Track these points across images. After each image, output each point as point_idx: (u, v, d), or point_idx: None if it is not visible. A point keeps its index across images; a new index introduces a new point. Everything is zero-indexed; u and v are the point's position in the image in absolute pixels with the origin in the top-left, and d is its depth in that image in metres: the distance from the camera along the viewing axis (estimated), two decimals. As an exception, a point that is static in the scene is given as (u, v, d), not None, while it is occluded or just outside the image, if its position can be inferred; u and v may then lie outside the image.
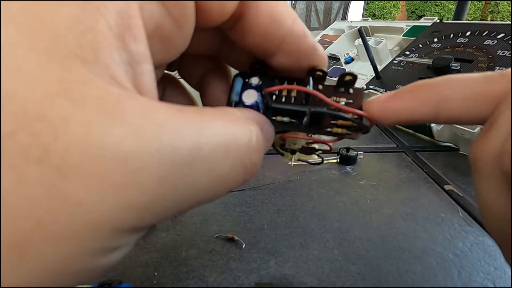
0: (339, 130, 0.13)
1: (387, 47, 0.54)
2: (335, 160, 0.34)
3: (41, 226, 0.06)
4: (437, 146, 0.39)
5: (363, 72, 0.56)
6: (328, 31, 0.72)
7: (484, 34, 0.41)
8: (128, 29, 0.08)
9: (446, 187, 0.30)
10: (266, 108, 0.13)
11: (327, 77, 0.13)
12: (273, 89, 0.13)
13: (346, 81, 0.13)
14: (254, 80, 0.13)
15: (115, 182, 0.07)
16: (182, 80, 0.16)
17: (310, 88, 0.13)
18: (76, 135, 0.07)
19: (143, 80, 0.09)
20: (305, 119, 0.13)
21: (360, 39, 0.52)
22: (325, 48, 0.65)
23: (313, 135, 0.15)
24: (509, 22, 0.40)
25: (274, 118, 0.13)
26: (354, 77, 0.13)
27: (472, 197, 0.29)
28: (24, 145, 0.06)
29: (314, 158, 0.15)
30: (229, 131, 0.10)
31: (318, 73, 0.13)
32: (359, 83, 0.50)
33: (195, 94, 0.16)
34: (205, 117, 0.09)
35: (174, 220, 0.25)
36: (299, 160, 0.15)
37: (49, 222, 0.06)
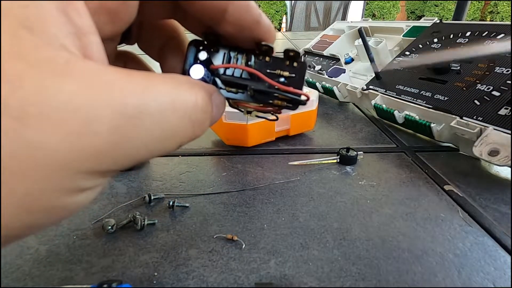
0: (279, 102, 0.15)
1: (387, 47, 0.54)
2: (335, 160, 0.34)
3: (6, 167, 0.07)
4: (437, 146, 0.39)
5: (363, 72, 0.56)
6: (328, 31, 0.72)
7: (484, 34, 0.41)
8: (69, 4, 0.09)
9: (446, 187, 0.30)
10: (217, 77, 0.14)
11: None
12: (218, 66, 0.14)
13: (290, 56, 0.14)
14: (202, 55, 0.14)
15: (70, 129, 0.08)
16: (147, 57, 0.17)
17: (252, 62, 0.14)
18: (31, 89, 0.08)
19: (91, 50, 0.10)
20: (248, 92, 0.14)
21: (360, 39, 0.52)
22: (325, 48, 0.65)
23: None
24: (509, 22, 0.40)
25: (224, 88, 0.14)
26: (297, 53, 0.14)
27: (472, 197, 0.29)
28: None
29: (271, 116, 0.17)
30: (175, 92, 0.11)
31: (264, 47, 0.14)
32: (359, 83, 0.50)
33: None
34: (153, 79, 0.10)
35: (174, 220, 0.25)
36: (256, 116, 0.17)
37: (13, 163, 0.08)
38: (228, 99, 0.15)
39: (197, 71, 0.14)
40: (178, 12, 0.15)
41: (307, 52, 0.70)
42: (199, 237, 0.23)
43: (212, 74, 0.14)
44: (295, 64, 0.14)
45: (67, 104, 0.08)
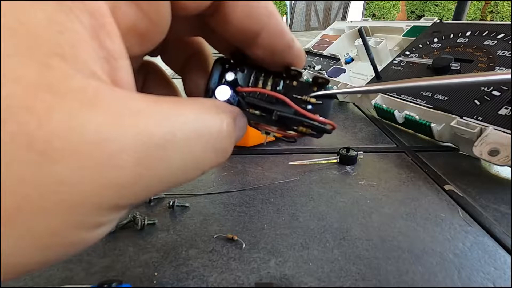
0: (304, 129, 0.14)
1: (387, 47, 0.54)
2: (335, 160, 0.34)
3: (29, 201, 0.07)
4: (437, 146, 0.39)
5: (363, 72, 0.56)
6: (328, 31, 0.72)
7: (484, 34, 0.41)
8: (102, 28, 0.09)
9: (446, 187, 0.30)
10: (242, 98, 0.14)
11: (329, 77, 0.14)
12: (247, 90, 0.14)
13: (319, 82, 0.14)
14: (229, 76, 0.14)
15: (96, 163, 0.08)
16: (165, 66, 0.17)
17: (280, 87, 0.14)
18: (59, 122, 0.07)
19: (120, 75, 0.10)
20: (273, 117, 0.14)
21: (360, 39, 0.52)
22: (325, 48, 0.65)
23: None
24: (509, 22, 0.40)
25: (247, 109, 0.14)
26: (326, 81, 0.14)
27: (472, 197, 0.29)
28: (12, 132, 0.07)
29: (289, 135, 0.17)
30: (201, 118, 0.10)
31: (293, 72, 0.14)
32: (359, 83, 0.50)
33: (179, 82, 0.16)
34: (179, 106, 0.10)
35: (174, 220, 0.25)
36: (274, 137, 0.16)
37: (36, 198, 0.07)
38: (249, 119, 0.14)
39: (224, 92, 0.14)
40: (205, 30, 0.15)
41: (307, 52, 0.70)
42: (199, 237, 0.23)
43: (237, 94, 0.14)
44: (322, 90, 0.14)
45: (94, 137, 0.08)
